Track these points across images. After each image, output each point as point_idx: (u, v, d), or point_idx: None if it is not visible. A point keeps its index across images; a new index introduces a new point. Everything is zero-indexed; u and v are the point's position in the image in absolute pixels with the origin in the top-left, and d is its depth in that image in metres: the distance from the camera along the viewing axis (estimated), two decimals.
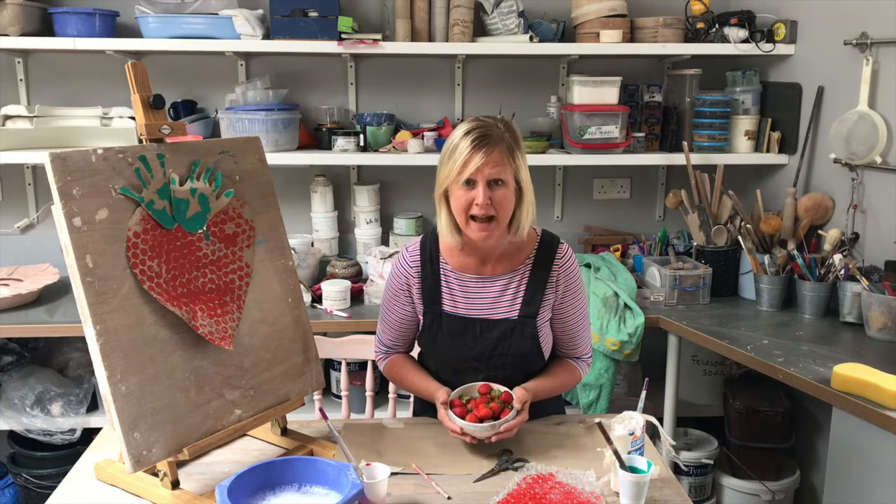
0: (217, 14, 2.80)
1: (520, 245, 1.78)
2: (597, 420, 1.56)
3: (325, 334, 2.45)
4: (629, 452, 1.53)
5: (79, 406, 2.80)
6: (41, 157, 1.43)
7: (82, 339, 1.42)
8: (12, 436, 2.86)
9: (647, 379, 1.70)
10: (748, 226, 2.81)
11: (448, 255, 1.81)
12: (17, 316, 2.59)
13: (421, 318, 1.84)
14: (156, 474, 1.53)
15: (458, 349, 1.79)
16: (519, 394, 1.69)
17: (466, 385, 1.74)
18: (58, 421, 2.77)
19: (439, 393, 1.73)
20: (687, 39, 2.96)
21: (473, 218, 1.67)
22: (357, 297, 2.80)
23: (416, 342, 1.94)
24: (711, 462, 2.88)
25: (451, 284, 1.80)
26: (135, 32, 2.92)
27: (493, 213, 1.65)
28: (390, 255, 2.80)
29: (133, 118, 2.76)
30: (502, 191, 1.65)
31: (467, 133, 1.64)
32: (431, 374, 1.86)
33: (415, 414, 2.01)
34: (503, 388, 1.72)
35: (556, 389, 1.85)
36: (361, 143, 2.96)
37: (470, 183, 1.64)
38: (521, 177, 1.68)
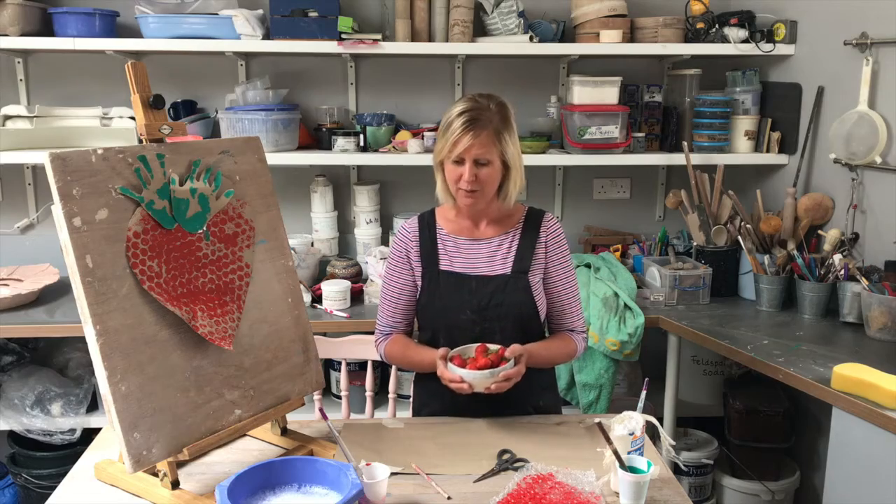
0: (217, 14, 2.80)
1: (509, 212, 1.94)
2: (597, 420, 1.56)
3: (325, 334, 2.45)
4: (629, 452, 1.53)
5: (79, 406, 2.80)
6: (41, 157, 1.43)
7: (82, 339, 1.42)
8: (12, 436, 2.86)
9: (647, 379, 1.71)
10: (748, 226, 2.81)
11: (444, 222, 1.95)
12: (17, 316, 2.59)
13: (420, 282, 1.92)
14: (156, 474, 1.53)
15: (456, 302, 1.88)
16: (514, 346, 1.76)
17: (464, 346, 1.81)
18: (58, 421, 2.77)
19: (438, 352, 1.78)
20: (687, 39, 2.96)
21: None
22: (357, 297, 2.80)
23: (415, 323, 2.00)
24: (711, 462, 2.88)
25: (447, 246, 1.93)
26: (135, 32, 2.91)
27: (477, 188, 1.81)
28: None
29: (133, 118, 2.76)
30: (487, 169, 1.81)
31: (460, 114, 1.80)
32: (430, 344, 1.91)
33: (415, 414, 2.02)
34: (499, 346, 1.78)
35: (551, 355, 1.91)
36: (361, 143, 2.95)
37: (459, 161, 1.80)
38: (508, 156, 1.82)
